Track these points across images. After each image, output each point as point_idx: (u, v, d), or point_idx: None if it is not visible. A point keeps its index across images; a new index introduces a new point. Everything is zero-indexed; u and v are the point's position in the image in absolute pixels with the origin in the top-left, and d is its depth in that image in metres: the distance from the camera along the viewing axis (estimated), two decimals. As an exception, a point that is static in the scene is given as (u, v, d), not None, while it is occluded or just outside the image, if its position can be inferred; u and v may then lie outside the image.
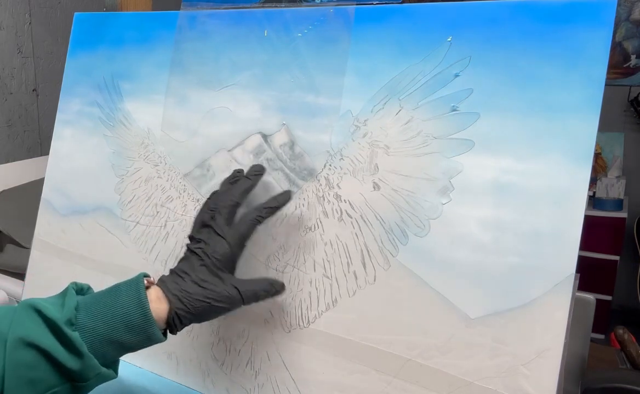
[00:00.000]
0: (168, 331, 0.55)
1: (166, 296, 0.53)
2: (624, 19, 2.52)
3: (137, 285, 0.53)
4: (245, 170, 0.64)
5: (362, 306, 0.59)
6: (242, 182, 0.62)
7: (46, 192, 0.86)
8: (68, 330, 0.49)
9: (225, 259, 0.56)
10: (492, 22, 0.55)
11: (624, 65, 2.55)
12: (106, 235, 0.78)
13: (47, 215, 0.85)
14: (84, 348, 0.49)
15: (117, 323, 0.51)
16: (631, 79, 2.55)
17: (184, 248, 0.59)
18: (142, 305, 0.51)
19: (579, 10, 0.52)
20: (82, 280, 0.80)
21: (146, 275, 0.55)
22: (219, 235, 0.57)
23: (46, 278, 0.84)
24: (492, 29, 0.55)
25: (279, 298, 0.63)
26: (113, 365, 0.53)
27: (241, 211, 0.60)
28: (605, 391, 0.77)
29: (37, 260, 0.85)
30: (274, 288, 0.58)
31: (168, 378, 0.70)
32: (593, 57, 0.51)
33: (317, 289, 0.62)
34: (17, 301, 1.21)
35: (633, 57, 2.53)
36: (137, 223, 0.75)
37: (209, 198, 0.61)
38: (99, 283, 0.79)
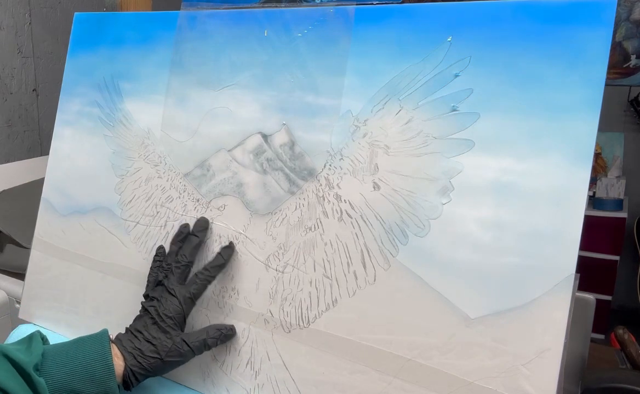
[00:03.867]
0: (123, 388, 0.58)
1: (122, 353, 0.58)
2: (624, 19, 2.52)
3: (102, 339, 0.57)
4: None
5: (362, 306, 0.59)
6: (191, 239, 0.66)
7: (46, 192, 0.86)
8: (35, 375, 0.52)
9: (176, 317, 0.61)
10: (492, 22, 0.55)
11: (624, 65, 2.55)
12: (106, 235, 0.78)
13: (47, 215, 0.85)
14: (46, 393, 0.52)
15: (80, 373, 0.55)
16: (631, 79, 2.55)
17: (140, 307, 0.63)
18: (106, 359, 0.56)
19: (579, 10, 0.52)
20: (82, 280, 0.80)
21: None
22: (171, 295, 0.61)
23: (46, 278, 0.84)
24: (492, 29, 0.55)
25: (279, 298, 0.63)
26: None
27: (194, 270, 0.65)
28: (605, 391, 0.77)
29: (37, 260, 0.85)
30: (223, 334, 0.63)
31: (168, 378, 0.70)
32: (593, 57, 0.51)
33: (317, 289, 0.62)
34: (18, 302, 1.21)
35: (633, 57, 2.53)
36: (137, 223, 0.75)
37: (159, 256, 0.66)
38: (99, 283, 0.79)
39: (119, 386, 0.58)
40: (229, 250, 0.66)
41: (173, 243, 0.67)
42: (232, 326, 0.65)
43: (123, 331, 0.62)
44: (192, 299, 0.63)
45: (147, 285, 0.65)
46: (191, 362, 0.69)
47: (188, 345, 0.60)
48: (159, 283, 0.64)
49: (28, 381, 0.52)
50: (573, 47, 0.52)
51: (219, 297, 0.68)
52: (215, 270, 0.65)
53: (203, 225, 0.68)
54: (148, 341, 0.59)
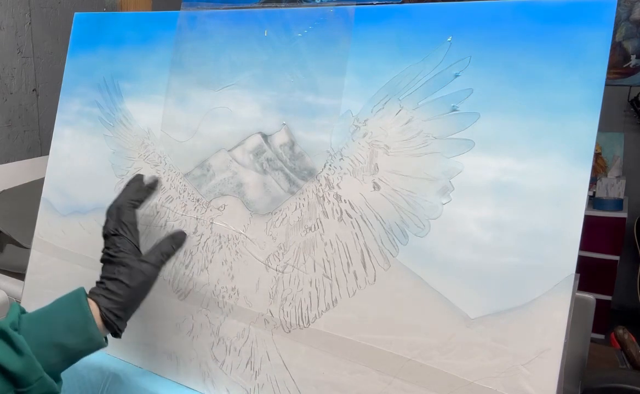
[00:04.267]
0: (113, 336, 0.59)
1: (94, 300, 0.59)
2: (624, 19, 2.52)
3: (77, 292, 0.58)
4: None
5: (362, 306, 0.59)
6: (121, 191, 0.67)
7: (46, 192, 0.86)
8: (11, 331, 0.52)
9: (126, 247, 0.62)
10: (492, 22, 0.55)
11: (624, 65, 2.55)
12: (106, 235, 0.78)
13: (47, 215, 0.85)
14: (27, 349, 0.52)
15: (58, 324, 0.55)
16: (631, 79, 2.55)
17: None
18: (82, 306, 0.56)
19: (579, 10, 0.52)
20: (82, 280, 0.80)
21: None
22: (112, 234, 0.62)
23: (46, 278, 0.84)
24: (492, 29, 0.55)
25: (279, 298, 0.63)
26: (57, 379, 0.55)
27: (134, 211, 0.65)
28: (605, 391, 0.77)
29: (37, 260, 0.85)
30: (175, 240, 0.64)
31: (168, 378, 0.70)
32: (593, 57, 0.51)
33: (317, 289, 0.62)
34: (18, 302, 1.21)
35: (633, 57, 2.53)
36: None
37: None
38: (99, 283, 0.79)
39: (106, 338, 0.59)
40: (152, 180, 0.68)
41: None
42: (182, 231, 0.65)
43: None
44: (128, 225, 0.63)
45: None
46: (191, 362, 0.69)
47: (146, 262, 0.61)
48: (105, 237, 0.64)
49: (6, 339, 0.52)
50: (573, 47, 0.52)
51: (219, 297, 0.68)
52: (137, 194, 0.65)
53: (135, 179, 0.68)
54: (111, 279, 0.60)
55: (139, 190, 0.67)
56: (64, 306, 0.57)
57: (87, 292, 0.61)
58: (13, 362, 0.51)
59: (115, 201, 0.65)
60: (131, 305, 0.61)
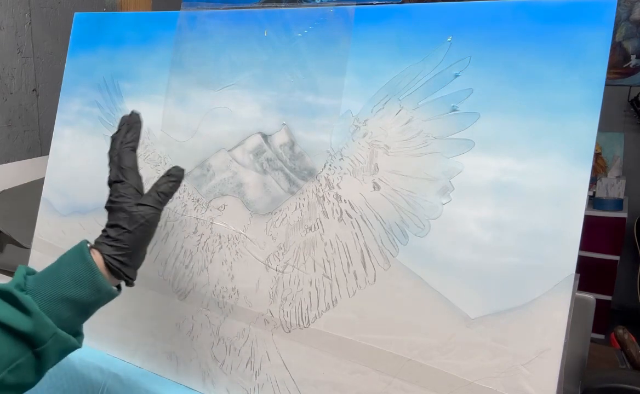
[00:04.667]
0: (126, 285, 0.59)
1: (97, 249, 0.58)
2: (624, 19, 2.52)
3: (80, 244, 0.58)
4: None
5: (362, 306, 0.59)
6: (115, 137, 0.65)
7: (46, 192, 0.86)
8: (17, 292, 0.51)
9: (128, 192, 0.61)
10: (492, 22, 0.55)
11: (624, 65, 2.55)
12: (106, 235, 0.78)
13: (47, 215, 0.85)
14: (35, 306, 0.51)
15: (64, 279, 0.54)
16: (631, 79, 2.55)
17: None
18: (85, 257, 0.56)
19: (579, 10, 0.52)
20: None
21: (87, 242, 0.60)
22: (115, 182, 0.62)
23: (46, 278, 0.83)
24: (492, 29, 0.55)
25: (279, 298, 0.63)
26: (76, 334, 0.55)
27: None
28: (605, 391, 0.77)
29: (37, 260, 0.85)
30: (171, 174, 0.62)
31: (168, 378, 0.70)
32: (593, 57, 0.51)
33: (317, 289, 0.62)
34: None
35: (633, 57, 2.53)
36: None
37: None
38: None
39: (119, 287, 0.59)
40: (133, 115, 0.66)
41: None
42: (177, 166, 0.63)
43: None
44: (128, 169, 0.62)
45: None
46: (191, 362, 0.69)
47: (144, 205, 0.60)
48: (109, 186, 0.63)
49: (13, 301, 0.51)
50: (573, 47, 0.52)
51: (219, 297, 0.68)
52: (128, 136, 0.64)
53: (122, 121, 0.66)
54: (112, 226, 0.59)
55: (132, 130, 0.65)
56: (68, 260, 0.56)
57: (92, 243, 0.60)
58: (22, 322, 0.50)
59: (114, 148, 0.64)
60: (135, 250, 0.59)
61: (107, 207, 0.62)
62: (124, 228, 0.59)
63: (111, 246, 0.58)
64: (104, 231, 0.60)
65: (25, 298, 0.51)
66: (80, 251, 0.57)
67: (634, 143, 2.59)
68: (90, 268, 0.55)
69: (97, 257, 0.57)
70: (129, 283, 0.59)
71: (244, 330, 0.66)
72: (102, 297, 0.56)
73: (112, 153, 0.64)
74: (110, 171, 0.63)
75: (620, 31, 2.53)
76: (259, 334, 0.65)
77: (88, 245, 0.58)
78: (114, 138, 0.66)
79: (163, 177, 0.63)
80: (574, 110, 0.51)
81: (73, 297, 0.54)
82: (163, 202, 0.61)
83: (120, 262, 0.58)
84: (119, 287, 0.59)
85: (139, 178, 0.63)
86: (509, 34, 0.54)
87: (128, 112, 0.66)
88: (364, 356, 0.58)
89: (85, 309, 0.55)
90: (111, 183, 0.63)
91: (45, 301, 0.53)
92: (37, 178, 1.53)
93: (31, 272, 0.57)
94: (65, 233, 0.82)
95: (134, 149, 0.64)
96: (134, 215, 0.59)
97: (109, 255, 0.57)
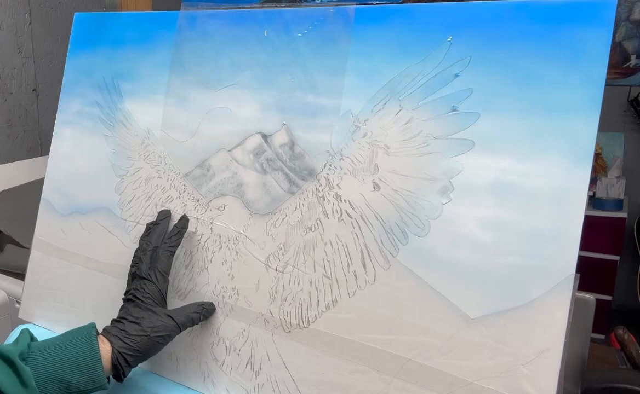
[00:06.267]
0: (114, 379, 0.60)
1: (108, 339, 0.58)
2: (624, 19, 2.52)
3: (89, 329, 0.58)
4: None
5: (362, 306, 0.59)
6: (154, 229, 0.68)
7: (46, 192, 0.86)
8: (19, 362, 0.52)
9: (154, 295, 0.62)
10: (492, 22, 0.55)
11: (624, 65, 2.55)
12: (106, 235, 0.78)
13: (47, 215, 0.85)
14: (32, 382, 0.52)
15: (66, 361, 0.55)
16: (631, 79, 2.55)
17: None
18: (91, 345, 0.56)
19: (579, 10, 0.52)
20: (82, 279, 0.80)
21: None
22: (144, 278, 0.63)
23: (46, 278, 0.84)
24: (492, 29, 0.55)
25: (279, 298, 0.63)
26: None
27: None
28: (605, 391, 0.77)
29: (37, 260, 0.85)
30: (205, 308, 0.65)
31: (168, 378, 0.70)
32: (593, 57, 0.51)
33: (317, 289, 0.62)
34: (18, 302, 1.21)
35: (633, 57, 2.53)
36: (137, 223, 0.75)
37: (134, 254, 0.67)
38: (99, 283, 0.79)
39: (109, 378, 0.58)
40: (183, 220, 0.69)
41: (141, 239, 0.69)
42: (212, 303, 0.66)
43: None
44: (162, 274, 0.64)
45: (127, 284, 0.66)
46: (191, 362, 0.69)
47: (173, 319, 0.61)
48: (133, 277, 0.65)
49: (13, 369, 0.52)
50: (573, 47, 0.52)
51: (219, 297, 0.68)
52: (173, 240, 0.67)
53: (164, 214, 0.70)
54: (133, 322, 0.60)
55: (176, 234, 0.68)
56: (74, 342, 0.57)
57: (100, 330, 0.60)
58: (17, 393, 0.51)
59: (149, 242, 0.66)
60: (143, 355, 0.60)
61: (127, 300, 0.62)
62: (145, 332, 0.59)
63: (125, 343, 0.58)
64: (118, 321, 0.60)
65: (26, 370, 0.52)
66: (88, 336, 0.57)
67: (634, 143, 2.59)
68: (95, 358, 0.56)
69: (104, 347, 0.57)
70: (120, 379, 0.59)
71: (244, 330, 0.66)
72: (94, 387, 0.56)
73: (146, 246, 0.66)
74: (141, 263, 0.64)
75: (620, 31, 2.53)
76: (259, 335, 0.65)
77: (97, 332, 0.58)
78: (149, 228, 0.68)
79: (197, 305, 0.65)
80: (574, 110, 0.51)
81: (68, 381, 0.55)
82: (187, 326, 0.63)
83: (126, 361, 0.58)
84: (108, 379, 0.58)
85: (167, 283, 0.65)
86: (509, 34, 0.54)
87: (127, 112, 0.67)
88: (364, 356, 0.58)
89: (73, 392, 0.56)
90: (137, 277, 0.63)
91: (42, 377, 0.54)
92: (37, 178, 1.53)
93: (34, 338, 0.58)
94: (65, 233, 0.82)
95: (173, 254, 0.66)
96: (161, 324, 0.60)
97: (118, 350, 0.57)
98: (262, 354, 0.64)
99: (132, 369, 0.60)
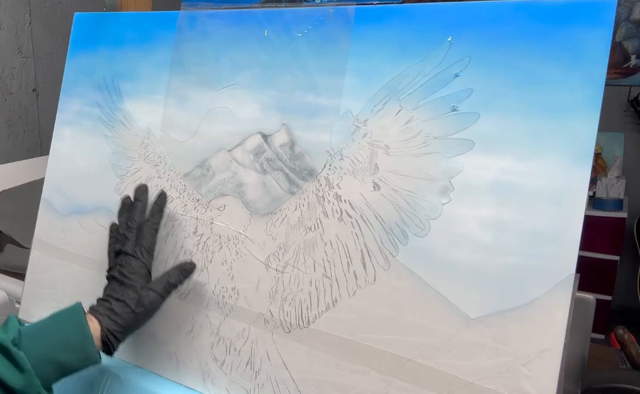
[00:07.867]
0: (105, 353, 0.61)
1: (96, 317, 0.60)
2: (624, 19, 2.52)
3: (77, 309, 0.59)
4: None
5: (362, 306, 0.59)
6: (135, 205, 0.69)
7: (46, 192, 0.86)
8: (13, 348, 0.53)
9: (139, 271, 0.64)
10: (492, 22, 0.55)
11: (624, 65, 2.55)
12: (106, 235, 0.78)
13: (47, 215, 0.85)
14: (27, 365, 0.53)
15: (57, 343, 0.56)
16: (631, 79, 2.55)
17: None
18: (81, 325, 0.57)
19: (579, 10, 0.52)
20: (82, 280, 0.80)
21: None
22: (130, 255, 0.64)
23: (46, 278, 0.84)
24: (492, 29, 0.55)
25: (279, 298, 0.63)
26: (49, 391, 0.56)
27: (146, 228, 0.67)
28: (605, 391, 0.77)
29: (37, 260, 0.85)
30: (184, 269, 0.66)
31: (168, 378, 0.70)
32: (593, 57, 0.51)
33: (317, 289, 0.62)
34: (18, 302, 1.21)
35: (633, 57, 2.53)
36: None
37: (113, 232, 0.69)
38: (99, 283, 0.79)
39: (100, 353, 0.60)
40: (162, 197, 0.70)
41: (120, 215, 0.69)
42: (192, 262, 0.67)
43: None
44: (148, 251, 0.65)
45: (109, 261, 0.68)
46: (191, 362, 0.69)
47: (154, 291, 0.62)
48: (118, 253, 0.66)
49: (7, 355, 0.53)
50: (573, 47, 0.52)
51: (219, 297, 0.68)
52: (157, 217, 0.68)
53: (142, 190, 0.70)
54: (118, 300, 0.61)
55: (160, 212, 0.69)
56: (63, 323, 0.58)
57: (87, 308, 0.61)
58: (15, 378, 0.52)
59: (132, 219, 0.67)
60: (131, 329, 0.62)
61: (112, 277, 0.64)
62: (129, 308, 0.61)
63: (113, 320, 0.60)
64: (105, 300, 0.62)
65: (20, 355, 0.53)
66: (76, 316, 0.58)
67: (634, 143, 2.59)
68: (85, 336, 0.57)
69: (93, 325, 0.59)
70: (111, 354, 0.61)
71: (244, 330, 0.66)
72: (87, 364, 0.58)
73: (130, 224, 0.66)
74: (127, 241, 0.65)
75: (620, 31, 2.53)
76: (259, 335, 0.65)
77: (85, 310, 0.59)
78: (130, 206, 0.69)
79: (175, 268, 0.65)
80: (574, 110, 0.51)
81: (62, 360, 0.56)
82: (170, 292, 0.64)
83: (115, 338, 0.60)
84: (99, 354, 0.60)
85: (152, 259, 0.66)
86: (509, 34, 0.54)
87: (127, 112, 0.67)
88: (364, 356, 0.58)
89: (68, 371, 0.57)
90: (123, 253, 0.64)
91: (36, 360, 0.54)
92: (37, 178, 1.53)
93: (22, 323, 0.59)
94: (65, 233, 0.82)
95: (157, 231, 0.68)
96: (143, 298, 0.62)
97: (108, 329, 0.59)
98: (262, 354, 0.64)
99: (132, 369, 0.61)
